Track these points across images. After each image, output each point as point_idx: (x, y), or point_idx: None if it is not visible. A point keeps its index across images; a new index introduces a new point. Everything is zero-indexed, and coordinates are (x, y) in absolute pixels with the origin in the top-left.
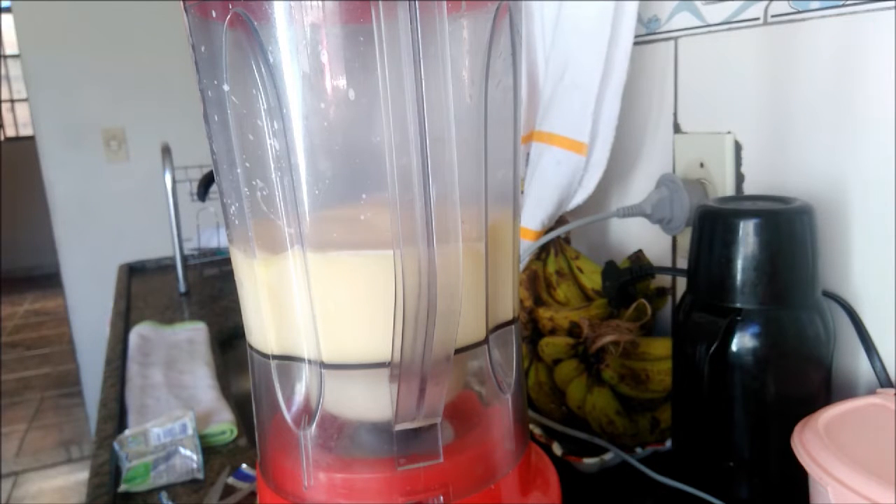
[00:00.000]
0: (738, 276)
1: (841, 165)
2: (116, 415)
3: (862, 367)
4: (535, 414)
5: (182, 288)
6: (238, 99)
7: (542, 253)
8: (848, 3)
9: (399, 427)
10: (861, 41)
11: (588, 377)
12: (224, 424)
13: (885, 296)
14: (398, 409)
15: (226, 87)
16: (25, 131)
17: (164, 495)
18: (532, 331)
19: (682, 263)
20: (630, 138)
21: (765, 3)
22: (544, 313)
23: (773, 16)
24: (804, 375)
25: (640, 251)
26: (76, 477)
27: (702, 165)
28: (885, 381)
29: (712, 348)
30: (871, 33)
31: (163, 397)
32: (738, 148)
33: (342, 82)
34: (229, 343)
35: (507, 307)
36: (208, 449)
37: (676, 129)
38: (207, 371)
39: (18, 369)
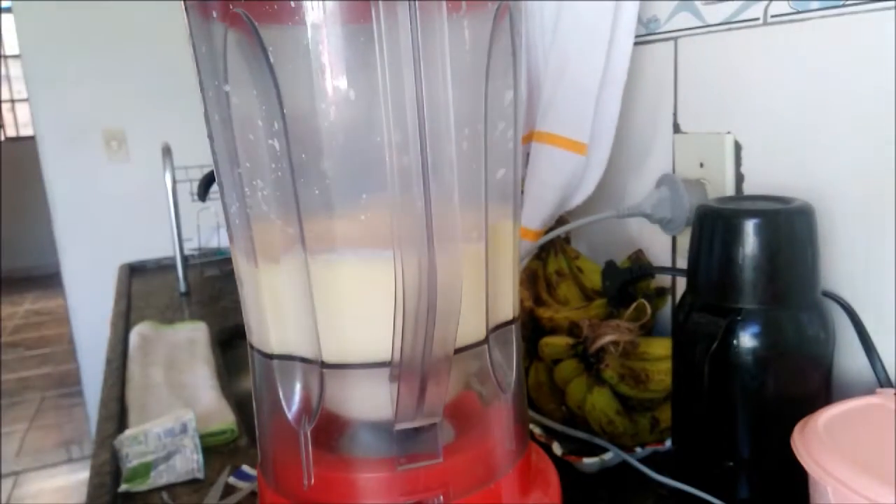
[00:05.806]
0: (738, 276)
1: (841, 165)
2: (117, 415)
3: (862, 367)
4: (535, 414)
5: (182, 288)
6: (238, 99)
7: (542, 253)
8: (848, 3)
9: (399, 427)
10: (861, 41)
11: (588, 377)
12: (224, 424)
13: (885, 296)
14: (398, 409)
15: (226, 87)
16: (25, 131)
17: (164, 495)
18: (532, 331)
19: (682, 263)
20: (630, 138)
21: (765, 3)
22: (544, 313)
23: (773, 16)
24: (804, 375)
25: (640, 251)
26: (76, 477)
27: (702, 165)
28: (885, 381)
29: (712, 348)
30: (871, 33)
31: (163, 397)
32: (738, 148)
33: (342, 82)
34: (229, 343)
35: (507, 307)
36: (208, 449)
37: (676, 129)
38: (208, 371)
39: (19, 369)
